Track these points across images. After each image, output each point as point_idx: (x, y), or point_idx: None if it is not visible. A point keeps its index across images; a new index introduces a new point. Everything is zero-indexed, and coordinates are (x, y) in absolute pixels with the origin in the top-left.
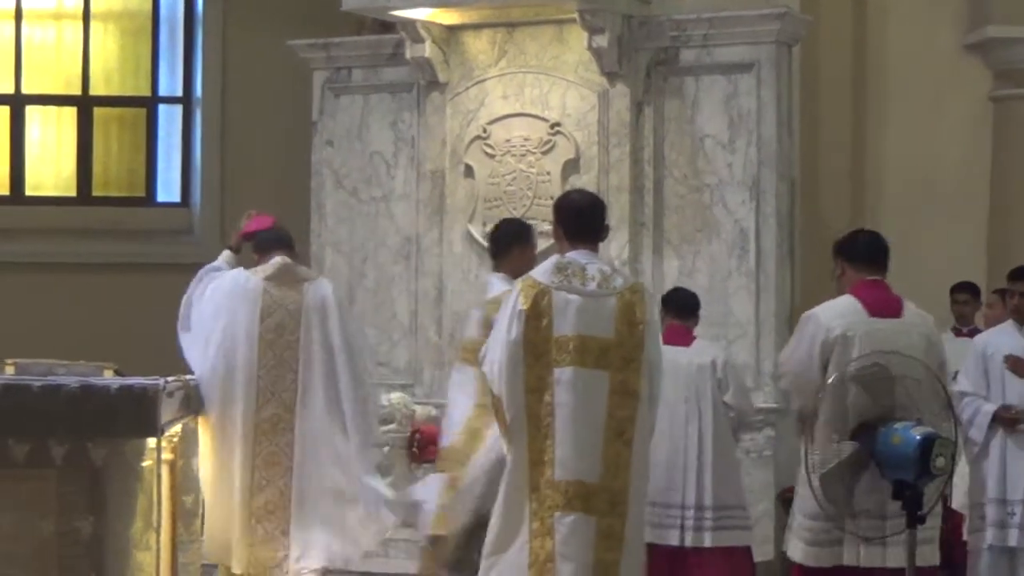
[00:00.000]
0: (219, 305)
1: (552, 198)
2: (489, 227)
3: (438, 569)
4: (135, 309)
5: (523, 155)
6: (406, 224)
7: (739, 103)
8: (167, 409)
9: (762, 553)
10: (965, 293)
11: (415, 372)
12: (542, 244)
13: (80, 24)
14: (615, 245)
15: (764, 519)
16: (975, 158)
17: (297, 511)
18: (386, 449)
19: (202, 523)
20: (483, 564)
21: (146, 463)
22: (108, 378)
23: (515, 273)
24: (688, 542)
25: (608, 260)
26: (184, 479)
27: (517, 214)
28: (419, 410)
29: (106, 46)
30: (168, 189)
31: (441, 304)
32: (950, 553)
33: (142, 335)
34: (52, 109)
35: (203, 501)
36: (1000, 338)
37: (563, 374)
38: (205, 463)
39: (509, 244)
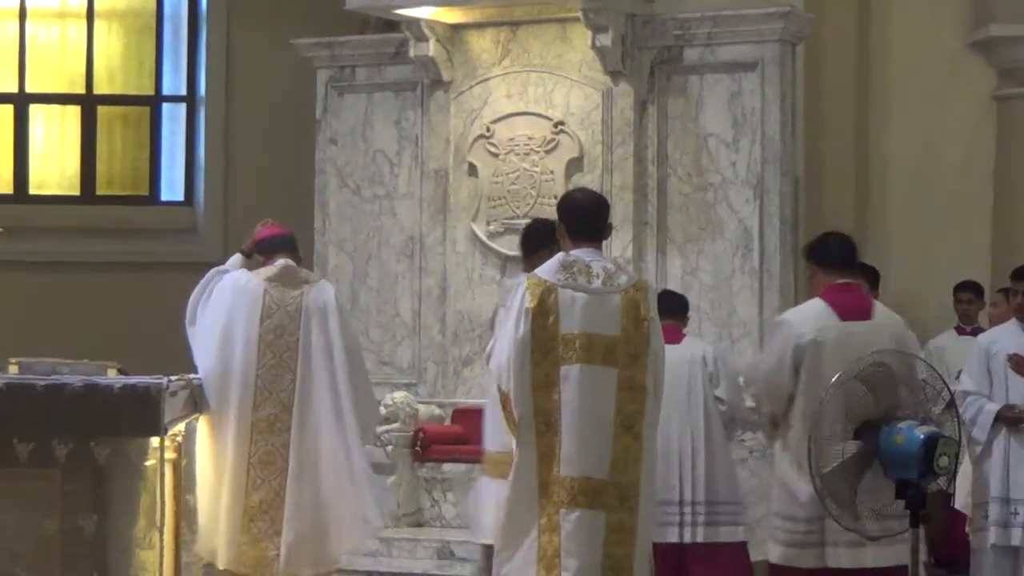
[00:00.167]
0: (221, 305)
1: (556, 197)
2: (493, 226)
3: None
4: (139, 308)
5: (527, 154)
6: (410, 223)
7: (743, 102)
8: (170, 408)
9: (763, 552)
10: (969, 292)
11: (418, 371)
12: None
13: (84, 23)
14: (619, 244)
15: (766, 518)
16: (979, 157)
17: (290, 512)
18: (389, 448)
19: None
20: (495, 560)
21: (149, 462)
22: (112, 377)
23: None
24: (687, 538)
25: (611, 258)
26: (187, 478)
27: (520, 213)
28: (422, 409)
29: (110, 45)
30: (172, 188)
31: (444, 303)
32: (953, 552)
33: (146, 334)
34: (56, 108)
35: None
36: (1003, 337)
37: (570, 371)
38: (201, 460)
39: (539, 245)
